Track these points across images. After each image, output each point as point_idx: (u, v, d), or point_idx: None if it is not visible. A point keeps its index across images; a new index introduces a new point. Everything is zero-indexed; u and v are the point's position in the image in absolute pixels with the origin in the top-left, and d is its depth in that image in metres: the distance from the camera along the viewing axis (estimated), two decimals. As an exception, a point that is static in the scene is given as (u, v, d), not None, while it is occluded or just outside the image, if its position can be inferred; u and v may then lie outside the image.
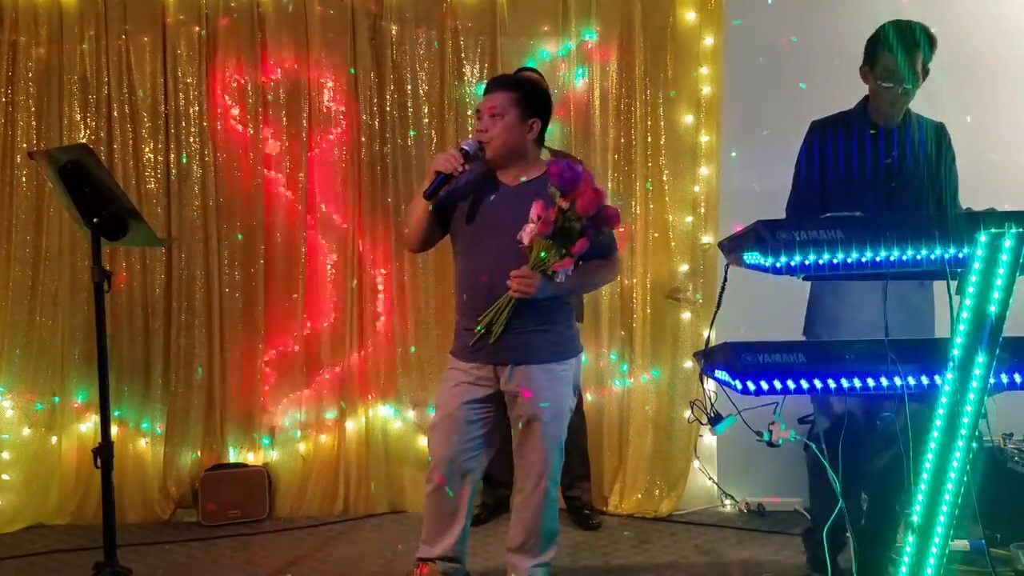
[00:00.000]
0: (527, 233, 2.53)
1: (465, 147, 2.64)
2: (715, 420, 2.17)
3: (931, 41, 2.72)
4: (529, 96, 2.72)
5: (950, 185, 2.88)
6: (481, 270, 2.66)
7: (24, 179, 3.86)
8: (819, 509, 3.00)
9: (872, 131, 2.81)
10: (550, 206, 2.52)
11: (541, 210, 2.51)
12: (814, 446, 2.80)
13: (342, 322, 3.97)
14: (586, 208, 2.50)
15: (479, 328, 2.61)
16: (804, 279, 2.48)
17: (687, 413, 3.92)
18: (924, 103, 2.89)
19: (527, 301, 2.58)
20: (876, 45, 2.75)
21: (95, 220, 2.67)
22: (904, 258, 1.84)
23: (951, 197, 2.88)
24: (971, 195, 2.79)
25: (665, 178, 3.95)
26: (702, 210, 3.96)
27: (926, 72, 2.74)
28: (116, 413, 3.78)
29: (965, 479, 1.86)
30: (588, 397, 3.88)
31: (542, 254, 2.52)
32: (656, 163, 3.96)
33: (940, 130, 2.88)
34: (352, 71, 3.91)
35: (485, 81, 3.91)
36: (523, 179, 2.70)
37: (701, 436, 3.94)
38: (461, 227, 2.73)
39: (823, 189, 2.83)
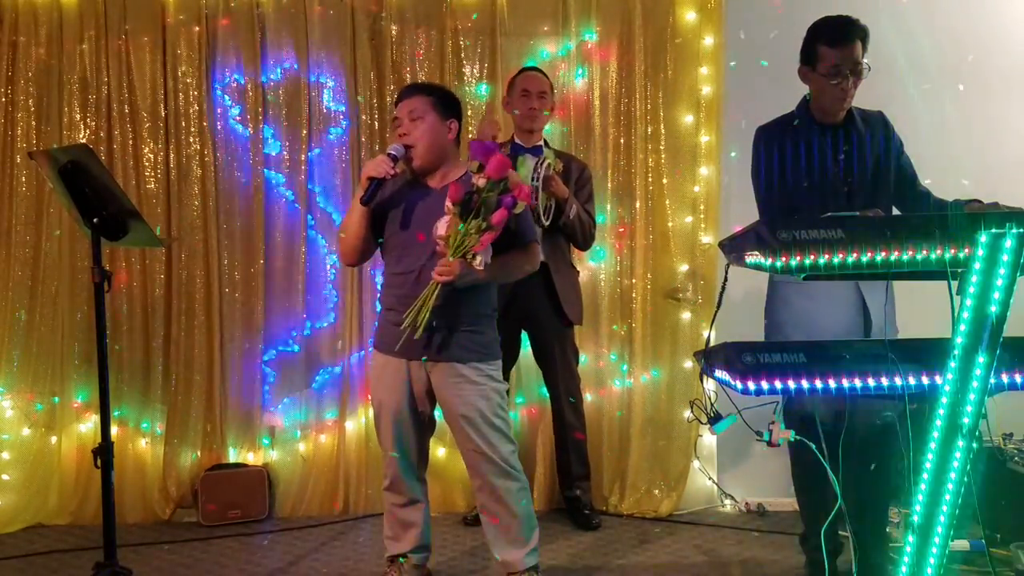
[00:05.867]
0: (443, 223, 2.61)
1: (392, 151, 2.73)
2: (715, 420, 2.17)
3: (866, 34, 2.69)
4: (444, 98, 2.83)
5: (905, 170, 2.85)
6: (413, 267, 2.74)
7: (24, 179, 3.85)
8: (805, 513, 3.00)
9: (818, 130, 2.78)
10: (466, 187, 2.60)
11: (454, 195, 2.58)
12: (795, 449, 2.80)
13: (342, 322, 3.98)
14: (496, 171, 2.56)
15: (404, 323, 2.64)
16: (804, 279, 2.48)
17: (687, 413, 3.92)
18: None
19: (454, 297, 2.65)
20: (815, 42, 2.73)
21: (95, 220, 2.67)
22: (904, 258, 1.84)
23: (910, 181, 2.86)
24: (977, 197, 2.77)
25: (665, 178, 3.95)
26: (702, 210, 3.96)
27: (867, 67, 2.70)
28: (116, 413, 3.78)
29: (965, 479, 1.86)
30: (588, 397, 3.88)
31: (460, 227, 2.57)
32: (656, 163, 3.96)
33: (883, 119, 2.86)
34: (352, 71, 3.92)
35: (485, 81, 3.94)
36: (449, 180, 2.77)
37: (701, 436, 3.94)
38: (394, 232, 2.81)
39: (785, 192, 2.80)
